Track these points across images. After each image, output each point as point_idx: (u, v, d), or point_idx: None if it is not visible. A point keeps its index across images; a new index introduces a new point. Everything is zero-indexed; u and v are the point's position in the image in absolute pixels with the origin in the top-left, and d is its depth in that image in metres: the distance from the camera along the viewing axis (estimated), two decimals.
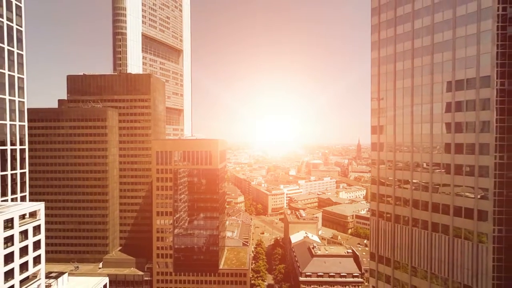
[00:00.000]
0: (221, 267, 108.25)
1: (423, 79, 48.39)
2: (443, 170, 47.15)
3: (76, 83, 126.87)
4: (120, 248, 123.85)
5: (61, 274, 77.24)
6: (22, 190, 69.84)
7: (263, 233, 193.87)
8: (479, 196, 43.40)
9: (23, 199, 68.51)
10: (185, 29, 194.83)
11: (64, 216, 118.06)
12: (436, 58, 46.80)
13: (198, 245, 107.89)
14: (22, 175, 69.47)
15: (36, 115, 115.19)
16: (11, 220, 50.45)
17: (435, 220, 47.86)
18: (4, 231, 48.67)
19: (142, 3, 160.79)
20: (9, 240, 49.91)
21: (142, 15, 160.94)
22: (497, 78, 51.05)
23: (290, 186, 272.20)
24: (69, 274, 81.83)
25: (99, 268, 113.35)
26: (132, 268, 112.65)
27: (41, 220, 57.57)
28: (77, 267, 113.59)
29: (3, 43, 63.18)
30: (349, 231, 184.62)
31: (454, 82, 45.23)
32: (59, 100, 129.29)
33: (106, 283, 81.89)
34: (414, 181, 50.45)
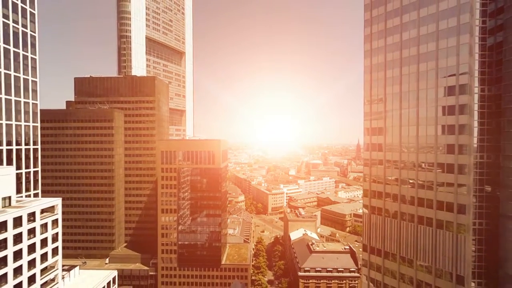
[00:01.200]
0: (223, 262, 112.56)
1: (410, 86, 53.12)
2: (427, 168, 51.89)
3: (83, 85, 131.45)
4: (125, 244, 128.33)
5: (72, 267, 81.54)
6: (35, 188, 73.86)
7: (263, 232, 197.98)
8: (458, 191, 48.17)
9: (35, 196, 72.01)
10: (187, 32, 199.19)
11: (72, 213, 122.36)
12: (422, 67, 51.55)
13: (201, 241, 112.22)
14: (35, 173, 73.30)
15: (45, 116, 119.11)
16: (33, 214, 54.91)
17: (420, 213, 52.66)
18: (28, 224, 53.17)
19: (146, 7, 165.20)
20: (31, 232, 54.37)
21: (146, 19, 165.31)
22: (478, 85, 55.91)
23: (289, 186, 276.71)
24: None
25: (106, 263, 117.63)
26: (137, 264, 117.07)
27: (58, 214, 61.99)
28: (85, 262, 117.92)
29: (18, 48, 67.09)
30: (347, 229, 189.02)
31: (437, 89, 49.94)
32: (66, 102, 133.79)
33: (115, 276, 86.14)
34: (402, 178, 55.22)
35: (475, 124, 58.90)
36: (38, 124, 73.95)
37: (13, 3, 66.06)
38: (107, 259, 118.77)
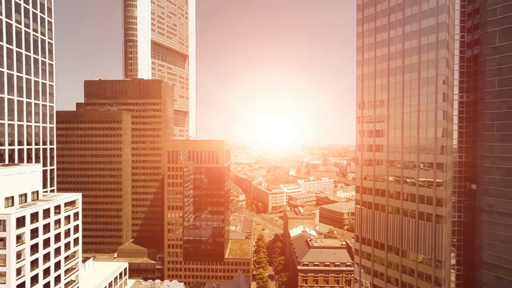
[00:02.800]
0: (226, 256, 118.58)
1: (396, 93, 59.46)
2: (411, 166, 58.20)
3: (92, 88, 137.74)
4: (132, 240, 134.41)
5: (87, 258, 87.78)
6: (51, 185, 79.75)
7: (263, 230, 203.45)
8: (436, 187, 54.41)
9: (52, 192, 77.97)
10: (190, 35, 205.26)
11: (82, 210, 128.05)
12: (406, 77, 57.88)
13: (205, 236, 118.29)
14: (51, 171, 79.18)
15: (57, 117, 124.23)
16: (59, 206, 61.10)
17: (405, 207, 58.97)
18: (54, 215, 59.33)
19: (152, 12, 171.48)
20: (57, 223, 60.50)
21: (151, 23, 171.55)
22: (458, 93, 62.19)
23: (289, 186, 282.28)
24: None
25: (114, 258, 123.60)
26: (144, 258, 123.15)
27: (79, 208, 68.31)
28: (94, 256, 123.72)
29: (38, 55, 72.99)
30: (345, 227, 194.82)
31: (419, 96, 56.31)
32: (77, 104, 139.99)
33: (126, 267, 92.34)
34: (389, 175, 61.52)
35: (455, 127, 65.44)
36: (54, 125, 79.59)
37: (33, 13, 71.94)
38: (116, 253, 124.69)
